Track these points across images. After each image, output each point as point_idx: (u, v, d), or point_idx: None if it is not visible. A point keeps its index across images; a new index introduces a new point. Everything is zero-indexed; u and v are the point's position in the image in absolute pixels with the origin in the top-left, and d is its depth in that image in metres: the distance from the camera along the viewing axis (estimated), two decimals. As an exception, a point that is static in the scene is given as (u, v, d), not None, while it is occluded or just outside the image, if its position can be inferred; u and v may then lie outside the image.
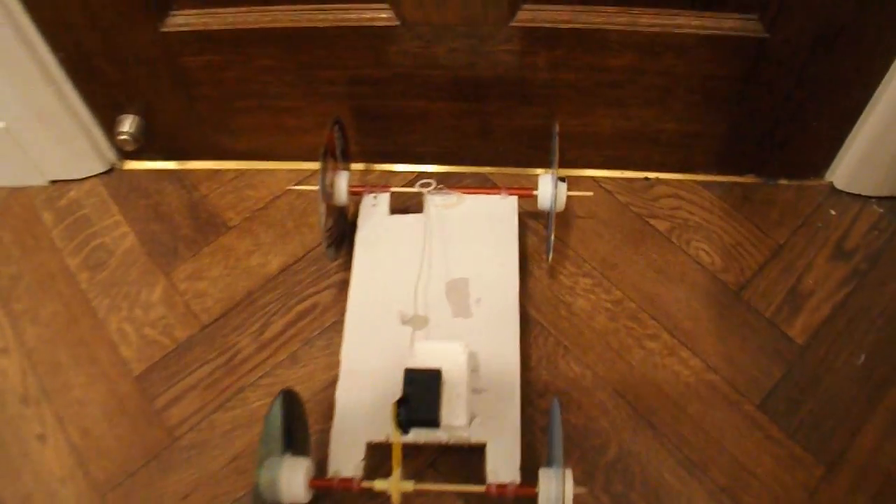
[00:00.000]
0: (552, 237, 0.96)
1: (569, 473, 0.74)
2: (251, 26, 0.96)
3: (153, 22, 0.96)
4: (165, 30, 0.97)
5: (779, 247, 1.06)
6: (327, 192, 0.93)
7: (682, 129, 1.05)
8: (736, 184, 1.13)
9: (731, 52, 0.94)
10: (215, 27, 0.97)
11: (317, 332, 1.00)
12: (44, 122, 1.07)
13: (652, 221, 1.09)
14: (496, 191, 0.98)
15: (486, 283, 0.92)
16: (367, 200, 0.98)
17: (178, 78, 1.04)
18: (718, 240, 1.07)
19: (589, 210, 1.10)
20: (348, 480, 0.78)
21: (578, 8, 0.92)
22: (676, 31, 0.92)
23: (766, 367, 0.96)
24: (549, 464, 0.79)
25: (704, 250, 1.06)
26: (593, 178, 1.12)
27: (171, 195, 1.15)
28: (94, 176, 1.17)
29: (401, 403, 0.75)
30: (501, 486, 0.78)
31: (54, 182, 1.17)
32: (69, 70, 1.03)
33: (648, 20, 0.92)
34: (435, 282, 0.91)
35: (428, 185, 0.96)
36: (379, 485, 0.77)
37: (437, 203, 0.96)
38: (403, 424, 0.75)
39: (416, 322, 0.89)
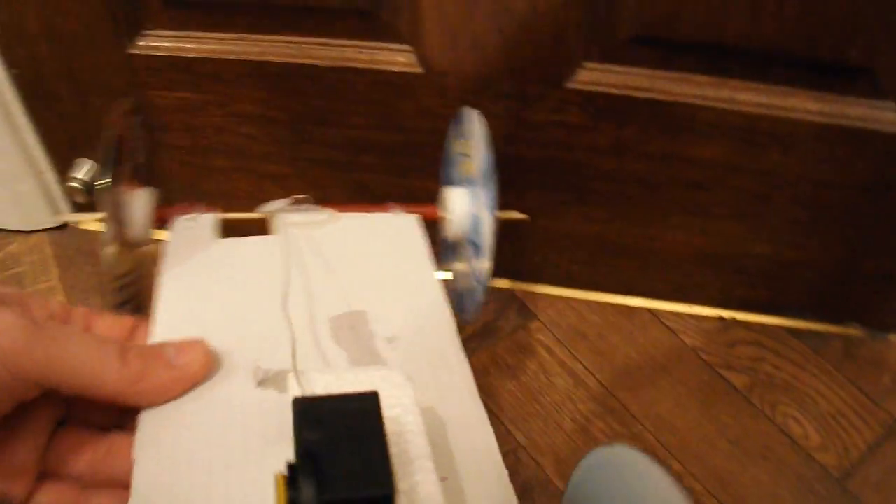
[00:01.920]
0: (482, 287, 0.64)
1: None
2: (235, 57, 0.75)
3: (121, 39, 0.77)
4: (134, 51, 0.77)
5: (894, 422, 0.79)
6: (117, 220, 0.59)
7: (777, 256, 0.81)
8: (836, 335, 0.87)
9: (855, 152, 0.71)
10: (192, 54, 0.76)
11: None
12: (-12, 155, 0.89)
13: (726, 374, 0.82)
14: (385, 207, 0.63)
15: (400, 317, 0.52)
16: (181, 223, 0.60)
17: (144, 118, 0.82)
18: (814, 406, 0.80)
19: (645, 352, 0.84)
20: None
21: (660, 73, 0.70)
22: (787, 115, 0.69)
23: None
24: None
25: (795, 418, 0.79)
26: (651, 311, 0.87)
27: (122, 269, 0.91)
28: (44, 230, 0.97)
29: (295, 475, 0.32)
30: None
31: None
32: (23, 93, 0.84)
33: (751, 98, 0.69)
34: (310, 321, 0.53)
35: (283, 206, 0.60)
36: None
37: (298, 221, 0.60)
38: None
39: (281, 381, 0.47)
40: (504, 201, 0.80)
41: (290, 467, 0.32)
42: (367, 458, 0.33)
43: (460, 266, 0.67)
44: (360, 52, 0.73)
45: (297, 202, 0.57)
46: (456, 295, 0.56)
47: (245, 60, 0.75)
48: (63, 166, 0.90)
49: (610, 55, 0.69)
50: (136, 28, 0.77)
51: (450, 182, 0.67)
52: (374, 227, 0.61)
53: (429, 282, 0.55)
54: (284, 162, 0.82)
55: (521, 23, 0.67)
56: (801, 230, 0.78)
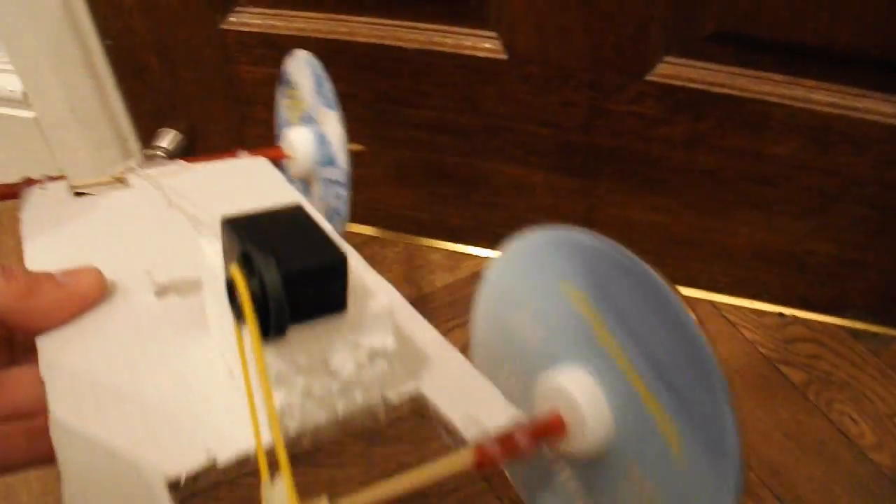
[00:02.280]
0: (346, 200, 0.67)
1: None
2: (323, 36, 0.78)
3: (213, 14, 0.80)
4: (225, 27, 0.80)
5: (951, 429, 0.81)
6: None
7: (840, 255, 0.82)
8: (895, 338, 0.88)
9: (929, 157, 0.72)
10: (282, 31, 0.79)
11: None
12: (77, 119, 0.92)
13: (784, 369, 0.84)
14: (232, 153, 0.65)
15: None
16: (33, 193, 0.59)
17: (231, 91, 0.86)
18: (870, 406, 0.81)
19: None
20: None
21: (738, 70, 0.71)
22: (860, 117, 0.70)
23: None
24: None
25: (851, 417, 0.80)
26: (713, 304, 0.89)
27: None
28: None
29: (249, 260, 0.31)
30: (503, 440, 0.34)
31: (76, 193, 0.97)
32: (114, 62, 0.88)
33: (826, 98, 0.71)
34: (189, 243, 0.48)
35: (132, 165, 0.61)
36: None
37: (153, 174, 0.61)
38: (276, 308, 0.30)
39: (183, 287, 0.46)
40: (576, 187, 0.83)
41: (242, 257, 0.31)
42: (311, 240, 0.33)
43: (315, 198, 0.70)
44: (446, 37, 0.76)
45: (148, 158, 0.57)
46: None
47: (333, 40, 0.78)
48: (147, 135, 0.93)
49: (690, 50, 0.71)
50: (228, 4, 0.80)
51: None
52: (231, 170, 0.62)
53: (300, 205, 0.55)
54: (364, 139, 0.84)
55: (606, 15, 0.69)
56: (866, 232, 0.79)
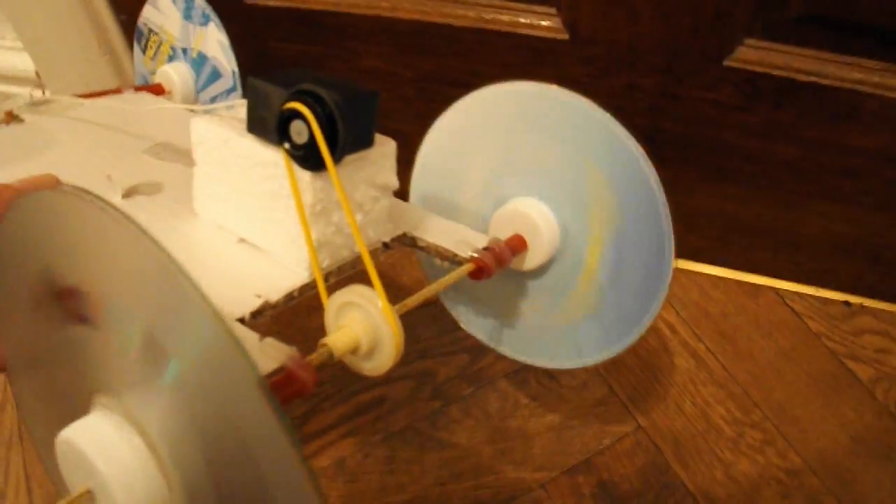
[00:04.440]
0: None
1: None
2: (362, 12, 0.71)
3: (239, -13, 0.72)
4: (250, 1, 0.72)
5: None
6: None
7: (920, 248, 0.76)
8: (969, 331, 0.83)
9: None
10: (315, 6, 0.72)
11: None
12: (93, 96, 0.85)
13: (850, 364, 0.79)
14: (117, 91, 0.68)
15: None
16: None
17: (260, 69, 0.79)
18: (944, 407, 0.77)
19: (769, 335, 0.81)
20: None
21: (827, 55, 0.64)
22: (962, 109, 0.64)
23: None
24: None
25: (924, 418, 0.76)
26: (776, 291, 0.84)
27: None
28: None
29: (313, 92, 0.35)
30: (493, 252, 0.48)
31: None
32: (131, 38, 0.80)
33: (924, 88, 0.64)
34: (123, 156, 0.53)
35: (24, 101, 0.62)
36: (338, 342, 0.35)
37: (45, 109, 0.61)
38: (344, 128, 0.35)
39: (146, 188, 0.48)
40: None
41: (298, 94, 0.35)
42: (341, 83, 0.36)
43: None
44: (500, 13, 0.68)
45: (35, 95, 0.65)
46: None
47: (373, 16, 0.71)
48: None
49: (775, 33, 0.64)
50: (255, -25, 0.73)
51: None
52: (125, 102, 0.66)
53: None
54: (408, 120, 0.78)
55: (684, -6, 0.62)
56: (951, 224, 0.73)
